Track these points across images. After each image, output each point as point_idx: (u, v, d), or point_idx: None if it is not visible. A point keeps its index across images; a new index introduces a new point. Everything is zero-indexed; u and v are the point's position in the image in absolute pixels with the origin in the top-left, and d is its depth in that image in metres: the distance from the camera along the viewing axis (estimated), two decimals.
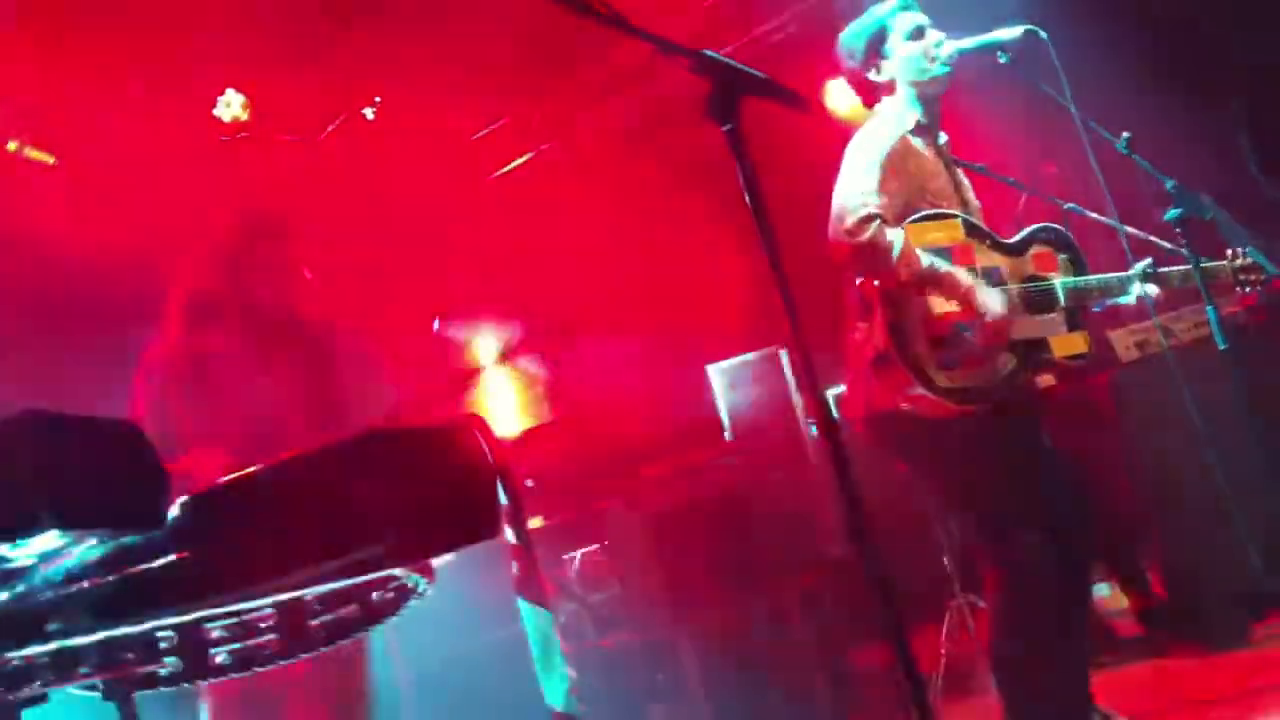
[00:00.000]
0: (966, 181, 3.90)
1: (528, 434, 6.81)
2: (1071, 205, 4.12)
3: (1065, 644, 3.59)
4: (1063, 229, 3.84)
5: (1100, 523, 5.09)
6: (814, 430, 5.50)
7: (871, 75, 3.80)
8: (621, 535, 5.16)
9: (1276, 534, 3.60)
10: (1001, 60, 3.79)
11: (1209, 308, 3.65)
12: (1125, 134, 3.73)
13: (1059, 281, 3.71)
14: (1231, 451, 3.73)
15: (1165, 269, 3.78)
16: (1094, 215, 3.99)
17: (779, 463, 6.21)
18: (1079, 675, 3.65)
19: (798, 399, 5.83)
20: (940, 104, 3.83)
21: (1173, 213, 3.68)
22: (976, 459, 3.54)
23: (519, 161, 7.72)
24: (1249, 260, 3.88)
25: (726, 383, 7.22)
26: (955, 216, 3.65)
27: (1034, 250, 3.76)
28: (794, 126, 3.79)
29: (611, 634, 5.14)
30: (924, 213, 3.61)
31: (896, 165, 3.61)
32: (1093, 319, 3.93)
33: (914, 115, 3.77)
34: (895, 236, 3.48)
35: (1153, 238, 3.84)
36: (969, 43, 3.79)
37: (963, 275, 3.53)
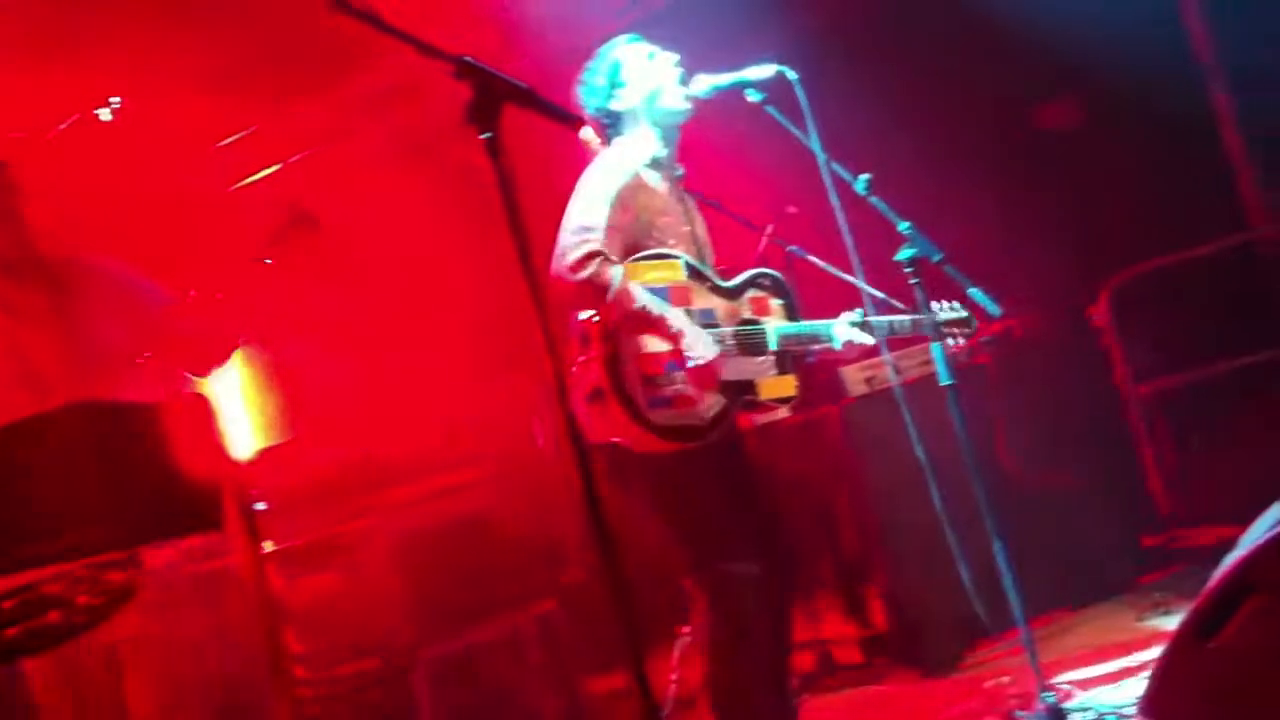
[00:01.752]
0: (700, 217, 3.95)
1: (266, 452, 6.56)
2: (794, 248, 4.22)
3: (771, 673, 3.69)
4: (779, 275, 3.92)
5: (826, 552, 5.34)
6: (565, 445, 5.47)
7: (613, 105, 3.80)
8: (359, 559, 5.02)
9: (991, 564, 3.79)
10: (751, 98, 3.90)
11: (935, 345, 3.85)
12: (864, 175, 3.88)
13: (771, 327, 3.78)
14: (952, 484, 3.91)
15: (873, 319, 3.86)
16: (814, 259, 4.11)
17: (525, 487, 6.20)
18: (785, 702, 3.77)
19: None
20: (679, 137, 3.87)
21: (905, 253, 3.85)
22: (685, 493, 3.60)
23: (267, 171, 7.49)
24: (956, 315, 4.03)
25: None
26: (677, 258, 3.69)
27: (750, 294, 3.82)
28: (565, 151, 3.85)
29: (347, 662, 4.98)
30: (646, 252, 3.64)
31: (626, 200, 3.62)
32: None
33: (652, 148, 3.80)
34: (614, 274, 3.50)
35: (866, 286, 3.92)
36: (721, 79, 3.88)
37: (675, 318, 3.57)
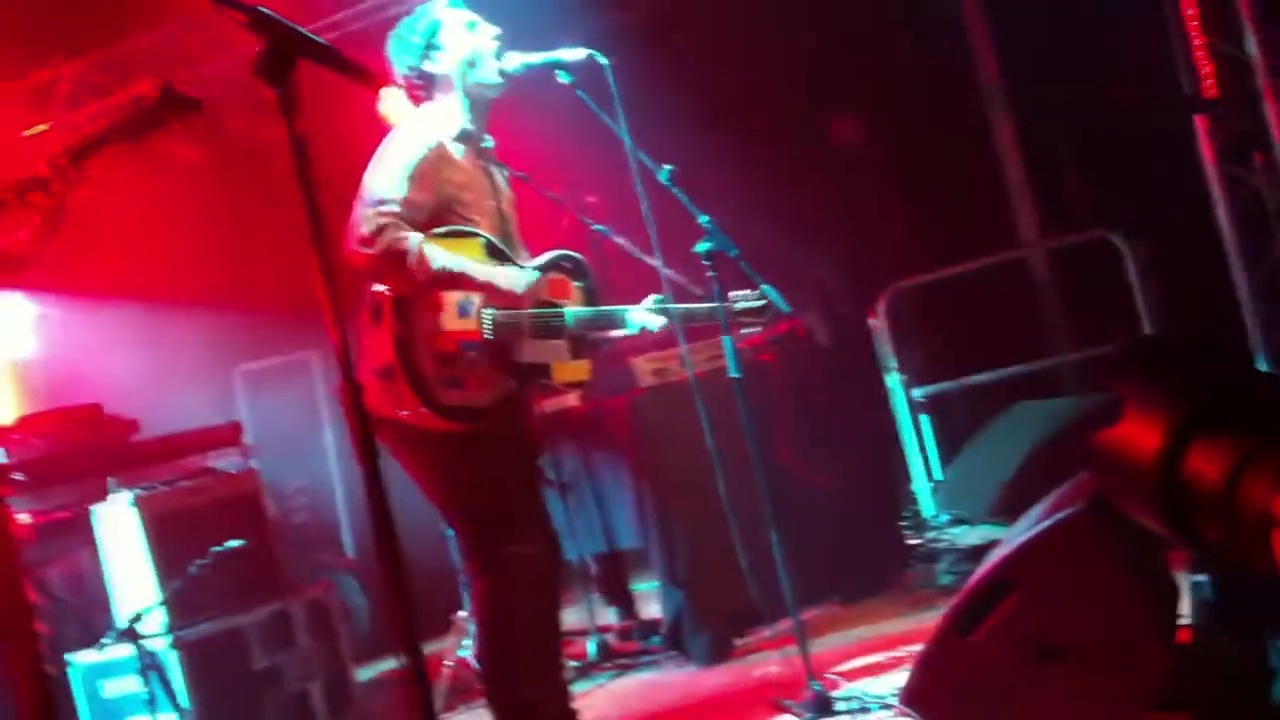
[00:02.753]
0: (509, 193, 3.89)
1: (22, 421, 6.18)
2: (600, 228, 4.23)
3: (545, 654, 3.69)
4: (581, 258, 3.88)
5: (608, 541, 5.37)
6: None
7: (426, 66, 3.67)
8: (113, 536, 4.77)
9: (765, 556, 3.86)
10: (561, 80, 3.85)
11: (725, 339, 3.90)
12: (668, 166, 3.90)
13: (568, 309, 3.72)
14: (735, 476, 3.97)
15: (668, 305, 3.84)
16: (620, 241, 4.12)
17: (299, 468, 6.03)
18: (559, 685, 3.77)
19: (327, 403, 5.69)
20: (489, 110, 3.79)
21: (703, 246, 3.89)
22: (469, 474, 3.55)
23: (35, 131, 7.04)
24: (752, 304, 3.98)
25: (252, 385, 6.94)
26: (477, 235, 3.62)
27: (551, 276, 3.76)
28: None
29: (103, 644, 4.73)
30: (445, 228, 3.56)
31: (427, 173, 3.53)
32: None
33: (461, 119, 3.70)
34: (412, 240, 3.42)
35: (666, 270, 3.94)
36: (533, 57, 3.81)
37: (478, 270, 3.51)
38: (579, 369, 3.77)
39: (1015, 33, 6.99)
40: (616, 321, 3.81)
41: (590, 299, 3.84)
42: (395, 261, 3.39)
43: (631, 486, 5.04)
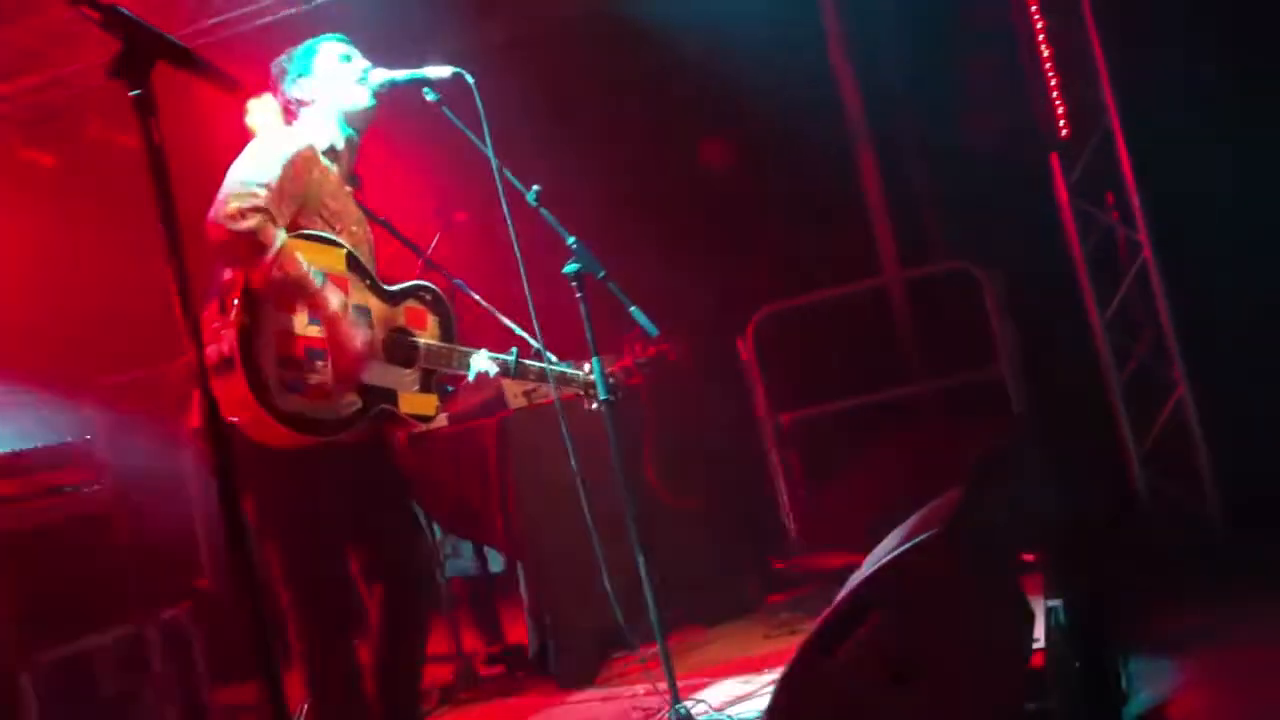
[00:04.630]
0: (368, 227, 3.79)
1: None
2: (459, 281, 4.14)
3: (390, 688, 3.56)
4: (440, 292, 3.82)
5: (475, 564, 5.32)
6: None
7: (294, 92, 3.66)
8: None
9: (632, 579, 3.86)
10: (428, 98, 3.83)
11: (595, 361, 3.89)
12: (535, 187, 3.89)
13: (423, 341, 3.66)
14: (602, 498, 3.96)
15: (526, 361, 3.82)
16: (474, 295, 4.03)
17: (152, 486, 5.84)
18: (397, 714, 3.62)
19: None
20: (360, 140, 3.74)
21: (570, 267, 3.89)
22: (297, 494, 3.39)
23: None
24: (587, 380, 3.93)
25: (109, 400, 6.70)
26: (341, 246, 3.52)
27: (409, 304, 3.69)
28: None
29: None
30: (311, 231, 3.45)
31: (299, 168, 3.44)
32: None
33: (331, 136, 3.65)
34: (279, 235, 3.30)
35: (520, 330, 3.87)
36: (399, 74, 3.79)
37: (335, 298, 3.39)
38: (425, 402, 3.65)
39: (879, 68, 7.17)
40: (457, 363, 3.72)
41: (446, 334, 3.76)
42: (254, 249, 3.24)
43: (499, 509, 5.01)
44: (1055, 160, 5.78)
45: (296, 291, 3.33)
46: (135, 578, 4.92)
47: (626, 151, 7.18)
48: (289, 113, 3.71)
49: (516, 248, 3.75)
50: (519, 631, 5.30)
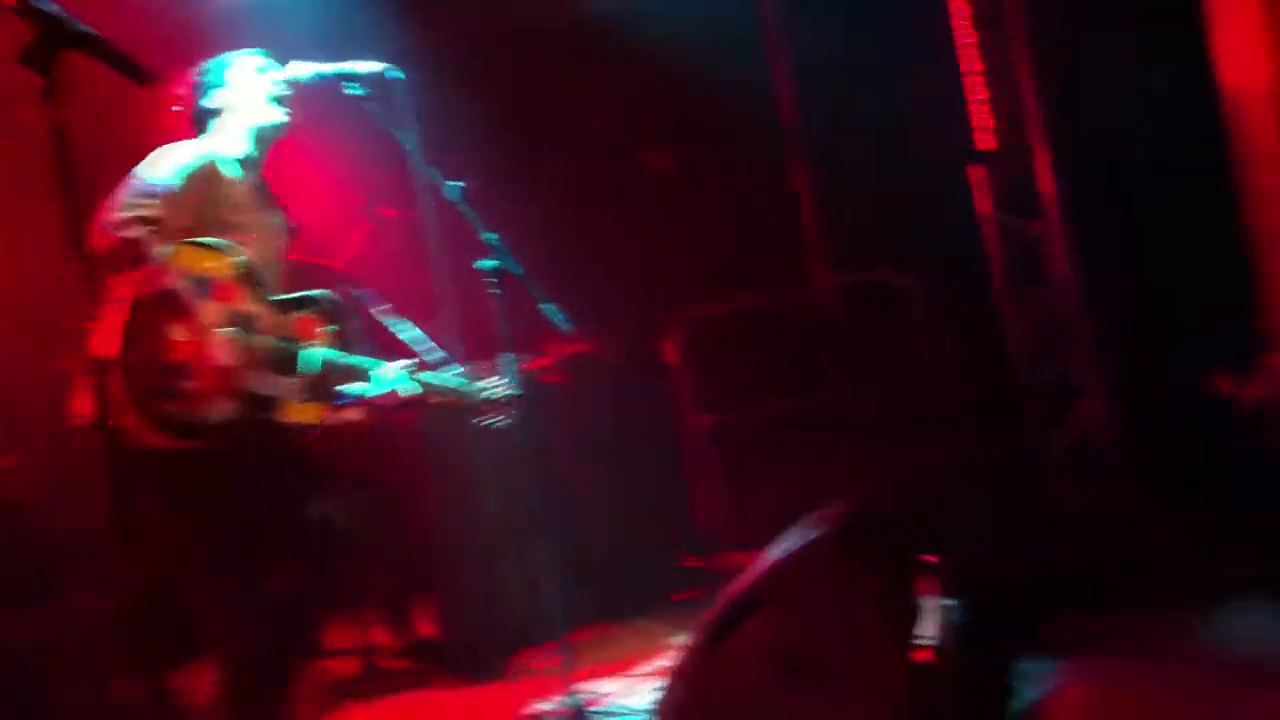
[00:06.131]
0: (283, 232, 3.83)
1: None
2: (361, 294, 4.14)
3: (285, 687, 3.55)
4: (339, 301, 3.79)
5: (384, 557, 5.32)
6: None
7: (206, 102, 3.69)
8: None
9: (541, 574, 3.92)
10: (354, 92, 3.86)
11: (509, 356, 3.94)
12: (457, 183, 3.93)
13: (309, 351, 3.63)
14: (513, 496, 4.01)
15: (423, 375, 3.84)
16: (377, 312, 4.03)
17: (68, 477, 5.81)
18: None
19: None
20: (269, 150, 3.77)
21: (488, 263, 3.93)
22: (191, 496, 3.41)
23: None
24: (496, 395, 3.98)
25: None
26: (234, 254, 3.51)
27: (301, 313, 3.67)
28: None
29: None
30: (202, 239, 3.45)
31: (199, 180, 3.48)
32: None
33: (242, 147, 3.69)
34: (161, 250, 3.30)
35: (425, 346, 3.92)
36: (324, 67, 3.82)
37: (206, 313, 3.36)
38: (309, 411, 3.61)
39: (815, 75, 7.25)
40: (359, 375, 3.72)
41: (341, 344, 3.73)
42: (136, 259, 3.26)
43: (413, 502, 5.04)
44: (976, 172, 5.90)
45: (174, 301, 3.32)
46: (42, 567, 4.90)
47: (562, 155, 7.22)
48: (200, 122, 3.73)
49: (431, 244, 3.80)
50: (425, 624, 5.33)
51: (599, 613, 5.21)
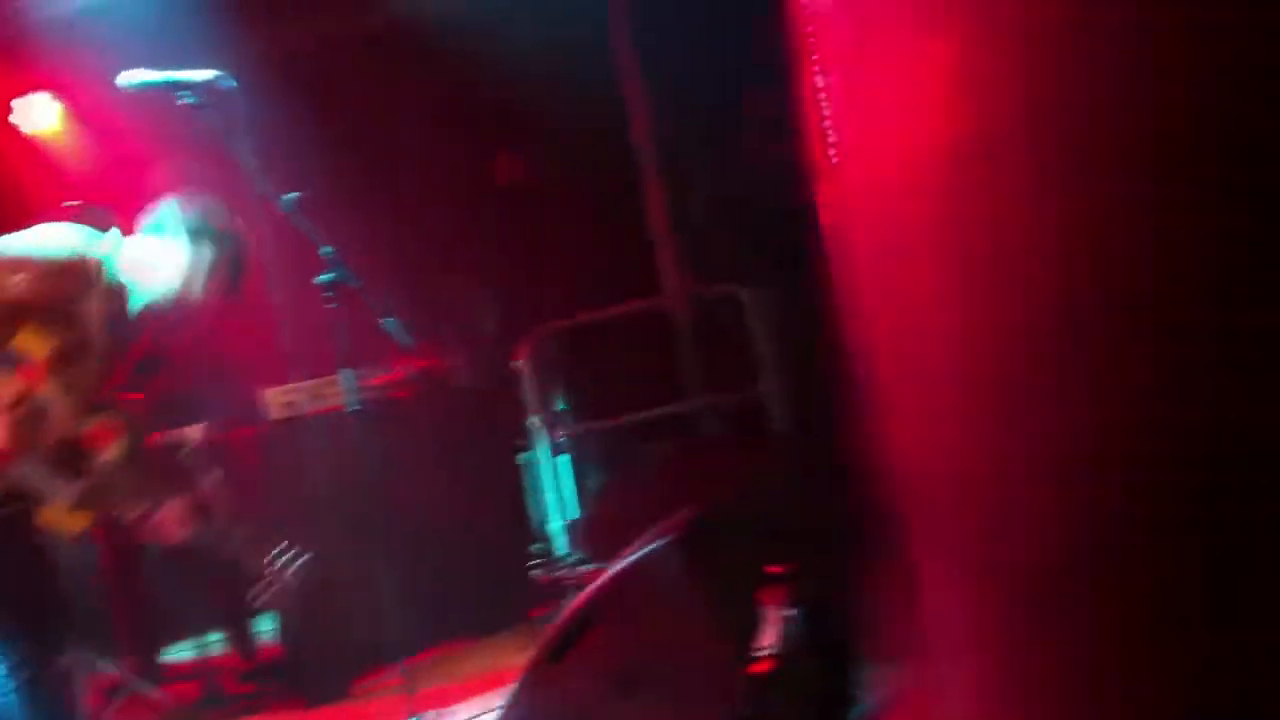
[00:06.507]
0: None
1: None
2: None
3: None
4: (139, 417, 3.61)
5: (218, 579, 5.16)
6: None
7: None
8: None
9: (389, 594, 3.86)
10: (185, 100, 3.75)
11: (345, 372, 3.88)
12: (293, 194, 3.85)
13: (101, 458, 3.39)
14: (363, 511, 3.94)
15: None
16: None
17: None
18: None
19: None
20: None
21: (325, 276, 3.87)
22: None
23: None
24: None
25: None
26: (54, 336, 3.27)
27: (101, 419, 3.42)
28: None
29: None
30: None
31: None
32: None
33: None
34: None
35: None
36: (154, 75, 3.70)
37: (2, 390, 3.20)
38: (75, 519, 3.37)
39: (667, 92, 7.31)
40: (128, 494, 3.44)
41: (129, 459, 3.47)
42: None
43: (257, 519, 4.92)
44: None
45: None
46: None
47: (411, 166, 7.15)
48: None
49: (264, 257, 3.72)
50: (266, 648, 5.21)
51: (452, 631, 5.16)
